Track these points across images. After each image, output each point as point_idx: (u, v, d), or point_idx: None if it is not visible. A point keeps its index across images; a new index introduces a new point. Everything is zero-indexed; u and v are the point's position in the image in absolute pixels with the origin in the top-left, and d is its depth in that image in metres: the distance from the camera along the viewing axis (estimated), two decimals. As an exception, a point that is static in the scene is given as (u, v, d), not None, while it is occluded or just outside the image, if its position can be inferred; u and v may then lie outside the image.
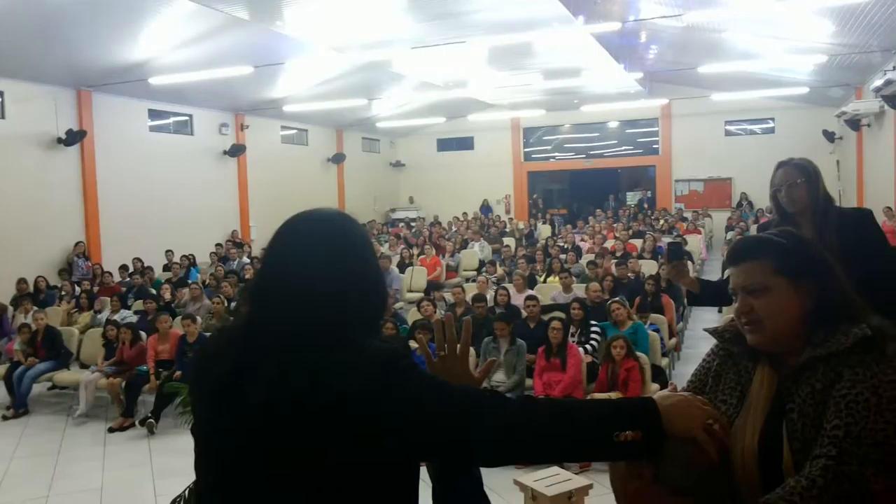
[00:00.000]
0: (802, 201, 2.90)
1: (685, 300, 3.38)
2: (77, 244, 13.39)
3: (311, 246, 1.39)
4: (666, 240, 14.41)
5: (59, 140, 13.18)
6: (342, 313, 1.35)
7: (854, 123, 16.79)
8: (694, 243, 14.60)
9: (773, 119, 21.34)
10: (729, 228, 17.43)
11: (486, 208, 23.94)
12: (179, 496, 3.97)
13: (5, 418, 7.73)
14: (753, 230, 15.03)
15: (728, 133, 22.06)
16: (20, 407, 7.85)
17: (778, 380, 1.52)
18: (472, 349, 6.76)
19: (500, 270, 10.85)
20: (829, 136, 19.30)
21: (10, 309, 10.13)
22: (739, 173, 21.43)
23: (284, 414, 1.27)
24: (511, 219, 22.35)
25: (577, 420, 1.33)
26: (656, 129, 22.99)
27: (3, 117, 12.43)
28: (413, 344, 6.47)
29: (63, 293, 11.14)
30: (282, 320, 1.34)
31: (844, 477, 1.30)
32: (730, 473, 1.46)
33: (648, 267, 10.77)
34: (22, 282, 11.31)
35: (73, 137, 13.26)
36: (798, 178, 2.90)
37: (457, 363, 1.59)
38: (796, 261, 1.51)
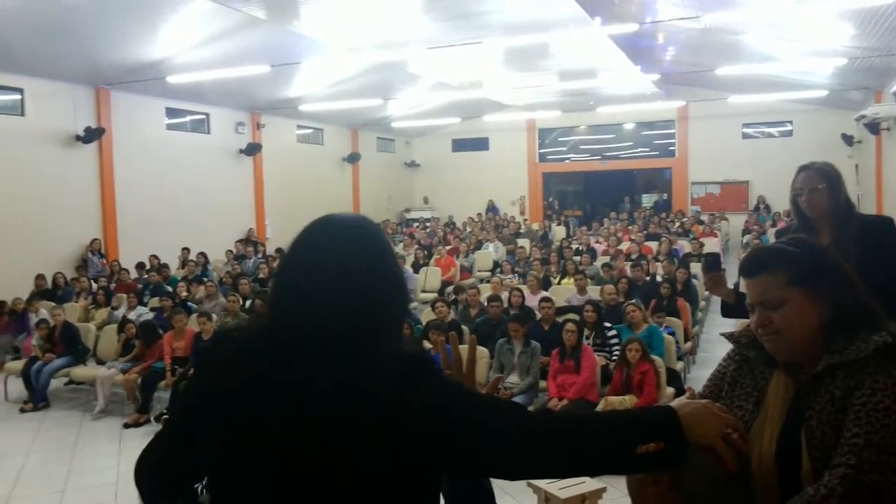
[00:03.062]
0: (823, 206, 2.86)
1: (720, 311, 3.25)
2: (93, 241, 13.51)
3: (332, 250, 1.39)
4: (683, 242, 14.39)
5: (78, 137, 13.28)
6: (367, 317, 1.35)
7: (873, 127, 16.63)
8: (710, 246, 14.50)
9: (791, 122, 21.17)
10: (746, 232, 17.29)
11: (492, 209, 23.91)
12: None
13: (23, 411, 7.82)
14: (771, 233, 14.95)
15: (745, 136, 21.91)
16: (40, 401, 7.95)
17: (795, 386, 1.50)
18: (485, 350, 6.75)
19: (514, 281, 10.80)
20: (848, 139, 19.12)
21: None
22: (757, 176, 21.28)
23: (309, 416, 1.27)
24: (525, 220, 22.31)
25: (598, 434, 1.32)
26: (673, 131, 22.87)
27: (22, 114, 12.54)
28: (427, 344, 6.49)
29: (80, 289, 11.23)
30: (306, 322, 1.34)
31: (864, 486, 1.29)
32: (747, 481, 1.45)
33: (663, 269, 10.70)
34: (40, 278, 11.42)
35: (92, 135, 13.36)
36: (820, 182, 2.86)
37: (464, 381, 1.59)
38: (810, 270, 1.50)
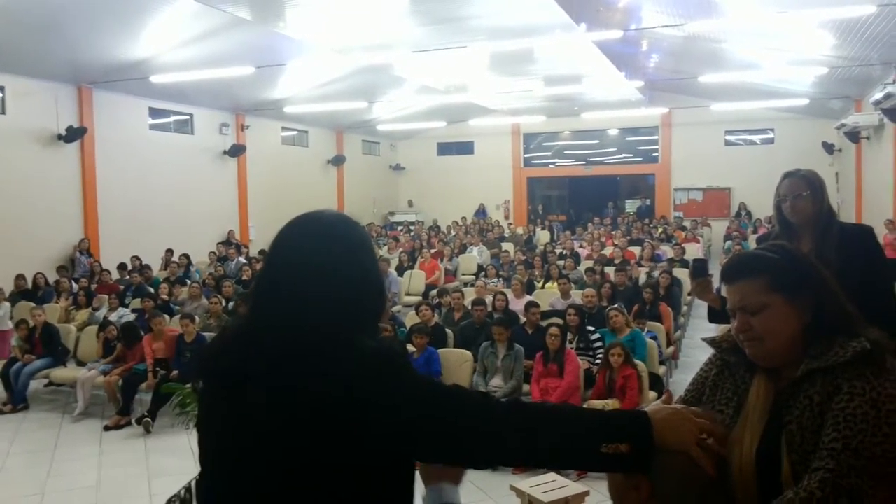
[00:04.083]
0: (806, 213, 2.91)
1: (707, 316, 3.28)
2: (81, 241, 13.40)
3: (311, 249, 1.40)
4: (665, 248, 14.48)
5: (60, 136, 13.16)
6: (340, 317, 1.36)
7: (853, 136, 16.83)
8: (692, 252, 14.62)
9: (772, 130, 21.39)
10: (727, 238, 17.44)
11: (481, 212, 23.96)
12: (175, 496, 3.96)
13: (2, 412, 7.72)
14: (752, 240, 15.08)
15: (728, 143, 22.11)
16: (19, 402, 7.86)
17: (775, 391, 1.52)
18: (469, 353, 6.75)
19: (499, 285, 10.80)
20: (829, 147, 19.34)
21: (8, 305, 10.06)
22: (738, 183, 21.48)
23: (285, 415, 1.28)
24: (510, 224, 22.36)
25: (565, 428, 1.35)
26: (656, 137, 23.03)
27: (3, 112, 12.42)
28: (410, 347, 6.49)
29: (61, 290, 11.11)
30: (281, 321, 1.35)
31: (842, 490, 1.31)
32: (727, 485, 1.47)
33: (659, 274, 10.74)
34: (20, 278, 11.29)
35: (74, 134, 13.25)
36: (804, 189, 2.91)
37: None
38: (791, 276, 1.52)
